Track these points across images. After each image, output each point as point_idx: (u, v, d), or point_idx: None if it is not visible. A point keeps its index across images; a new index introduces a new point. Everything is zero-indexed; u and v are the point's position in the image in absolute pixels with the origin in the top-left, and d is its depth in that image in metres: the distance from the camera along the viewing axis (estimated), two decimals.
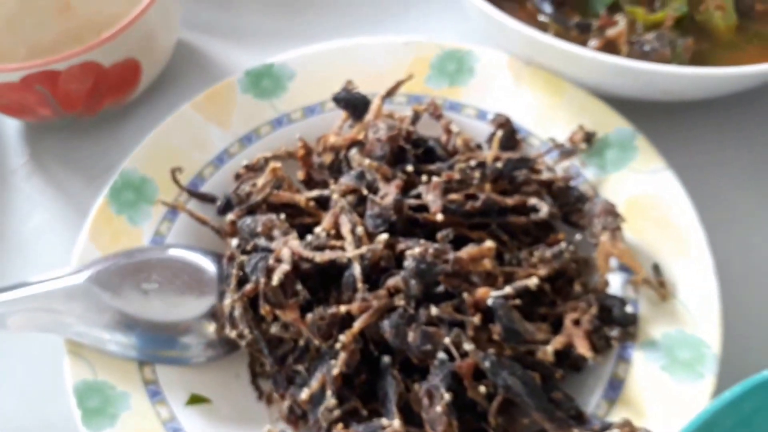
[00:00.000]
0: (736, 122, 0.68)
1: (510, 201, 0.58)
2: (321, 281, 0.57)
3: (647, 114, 0.63)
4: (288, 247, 0.55)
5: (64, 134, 0.75)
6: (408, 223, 0.57)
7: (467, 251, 0.53)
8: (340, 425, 0.50)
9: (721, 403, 0.48)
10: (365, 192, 0.58)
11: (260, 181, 0.63)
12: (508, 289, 0.51)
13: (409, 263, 0.51)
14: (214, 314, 0.57)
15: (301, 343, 0.55)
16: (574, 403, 0.51)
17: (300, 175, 0.64)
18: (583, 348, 0.50)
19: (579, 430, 0.48)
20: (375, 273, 0.55)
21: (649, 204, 0.58)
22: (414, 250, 0.52)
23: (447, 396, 0.48)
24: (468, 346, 0.50)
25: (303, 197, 0.61)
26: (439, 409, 0.48)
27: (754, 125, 0.68)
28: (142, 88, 0.73)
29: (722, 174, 0.65)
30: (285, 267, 0.53)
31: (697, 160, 0.65)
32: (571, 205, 0.59)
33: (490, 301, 0.51)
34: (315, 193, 0.61)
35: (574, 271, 0.56)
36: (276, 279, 0.52)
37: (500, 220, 0.58)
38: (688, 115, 0.68)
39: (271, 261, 0.54)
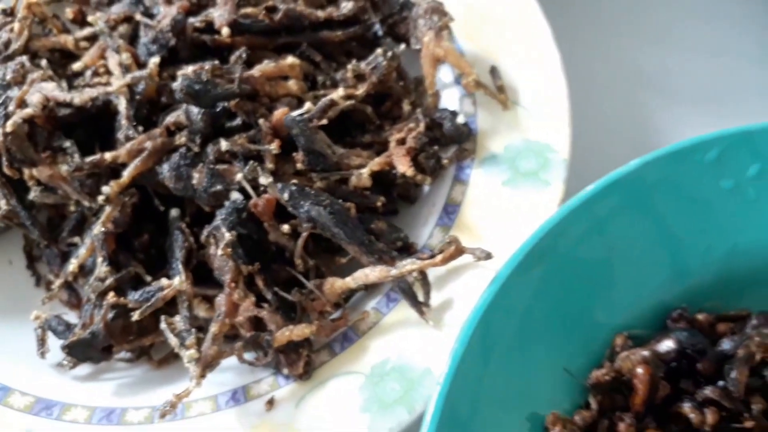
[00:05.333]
0: None
1: (321, 13, 0.47)
2: (101, 135, 0.45)
3: None
4: (38, 90, 0.43)
5: None
6: (196, 49, 0.46)
7: (261, 68, 0.43)
8: (111, 294, 0.39)
9: (569, 208, 0.41)
10: (139, 17, 0.46)
11: (17, 24, 0.50)
12: (308, 106, 0.41)
13: (180, 84, 0.41)
14: None
15: (73, 209, 0.44)
16: (400, 234, 0.42)
17: (70, 13, 0.51)
18: (403, 166, 0.41)
19: (404, 261, 0.39)
20: (156, 113, 0.44)
21: (489, 4, 0.49)
22: (187, 69, 0.41)
23: (228, 235, 0.38)
24: (265, 179, 0.40)
25: (72, 38, 0.49)
26: (220, 252, 0.38)
27: None
28: None
29: None
30: (26, 111, 0.41)
31: None
32: (397, 13, 0.49)
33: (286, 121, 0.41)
34: (87, 31, 0.49)
35: (401, 90, 0.47)
36: (10, 125, 0.40)
37: (311, 37, 0.47)
38: None
39: (11, 107, 0.42)
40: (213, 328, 0.38)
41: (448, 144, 0.46)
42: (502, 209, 0.43)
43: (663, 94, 0.53)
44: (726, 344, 0.41)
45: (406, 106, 0.47)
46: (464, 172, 0.45)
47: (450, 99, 0.48)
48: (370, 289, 0.42)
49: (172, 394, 0.36)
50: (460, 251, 0.39)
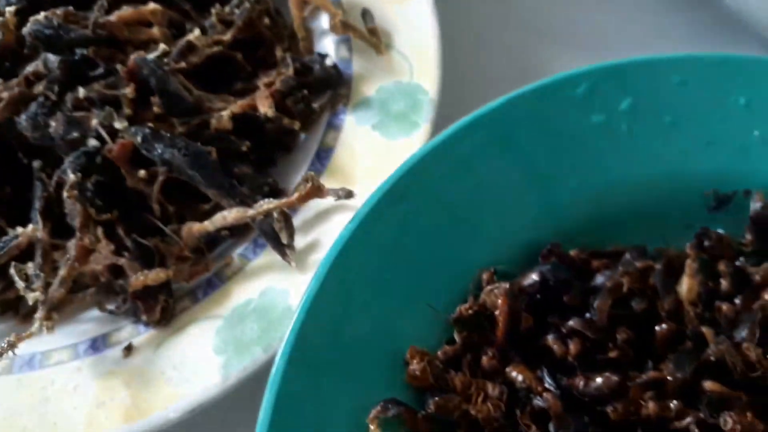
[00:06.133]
0: None
1: None
2: None
3: None
4: None
5: None
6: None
7: (118, 13, 0.43)
8: None
9: (431, 146, 0.41)
10: None
11: None
12: (163, 48, 0.41)
13: (29, 29, 0.40)
14: None
15: None
16: (268, 179, 0.42)
17: None
18: (264, 107, 0.41)
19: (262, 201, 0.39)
20: (20, 65, 0.44)
21: None
22: (38, 15, 0.41)
23: (72, 177, 0.38)
24: (119, 124, 0.40)
25: None
26: (67, 195, 0.38)
27: None
28: None
29: None
30: None
31: None
32: None
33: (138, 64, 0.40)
34: None
35: (274, 36, 0.47)
36: None
37: None
38: None
39: None
40: (62, 272, 0.37)
41: (323, 89, 0.46)
42: (373, 152, 0.44)
43: (543, 36, 0.53)
44: (599, 279, 0.41)
45: (279, 53, 0.47)
46: (338, 117, 0.45)
47: (329, 45, 0.48)
48: (238, 236, 0.42)
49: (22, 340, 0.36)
50: (317, 189, 0.39)
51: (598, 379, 0.37)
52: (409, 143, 0.43)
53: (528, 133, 0.43)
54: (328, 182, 0.42)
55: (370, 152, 0.43)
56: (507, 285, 0.38)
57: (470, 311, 0.39)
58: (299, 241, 0.41)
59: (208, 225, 0.39)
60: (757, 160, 0.44)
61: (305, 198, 0.39)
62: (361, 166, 0.43)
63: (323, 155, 0.44)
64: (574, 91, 0.43)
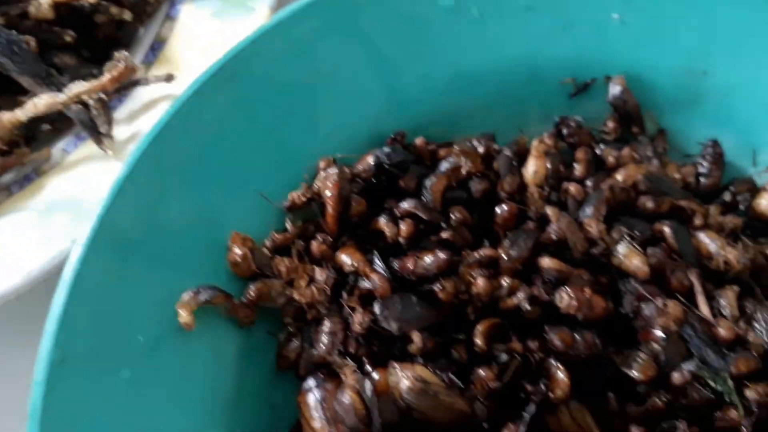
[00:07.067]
0: None
1: None
2: None
3: None
4: None
5: None
6: None
7: None
8: None
9: (264, 29, 0.39)
10: None
11: None
12: None
13: None
14: None
15: None
16: (92, 69, 0.41)
17: None
18: None
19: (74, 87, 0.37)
20: None
21: None
22: None
23: None
24: None
25: None
26: None
27: None
28: None
29: None
30: None
31: None
32: None
33: None
34: None
35: None
36: None
37: None
38: None
39: None
40: None
41: None
42: (209, 40, 0.42)
43: None
44: (443, 166, 0.39)
45: None
46: (175, 8, 0.43)
47: None
48: (62, 130, 0.40)
49: None
50: (130, 69, 0.37)
51: (427, 258, 0.35)
52: (245, 28, 0.41)
53: (371, 18, 0.41)
54: (158, 71, 0.40)
55: (205, 40, 0.42)
56: (337, 170, 0.37)
57: (303, 198, 0.37)
58: (124, 132, 0.39)
59: (19, 114, 0.37)
60: (616, 44, 0.43)
61: (117, 79, 0.37)
62: (195, 54, 0.41)
63: (157, 47, 0.42)
64: None
